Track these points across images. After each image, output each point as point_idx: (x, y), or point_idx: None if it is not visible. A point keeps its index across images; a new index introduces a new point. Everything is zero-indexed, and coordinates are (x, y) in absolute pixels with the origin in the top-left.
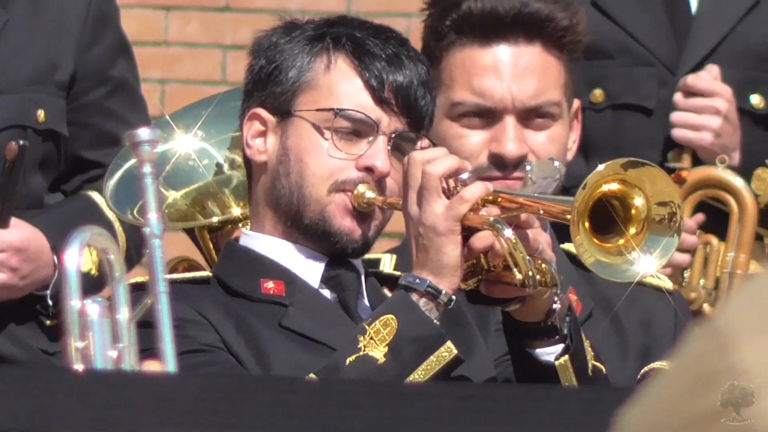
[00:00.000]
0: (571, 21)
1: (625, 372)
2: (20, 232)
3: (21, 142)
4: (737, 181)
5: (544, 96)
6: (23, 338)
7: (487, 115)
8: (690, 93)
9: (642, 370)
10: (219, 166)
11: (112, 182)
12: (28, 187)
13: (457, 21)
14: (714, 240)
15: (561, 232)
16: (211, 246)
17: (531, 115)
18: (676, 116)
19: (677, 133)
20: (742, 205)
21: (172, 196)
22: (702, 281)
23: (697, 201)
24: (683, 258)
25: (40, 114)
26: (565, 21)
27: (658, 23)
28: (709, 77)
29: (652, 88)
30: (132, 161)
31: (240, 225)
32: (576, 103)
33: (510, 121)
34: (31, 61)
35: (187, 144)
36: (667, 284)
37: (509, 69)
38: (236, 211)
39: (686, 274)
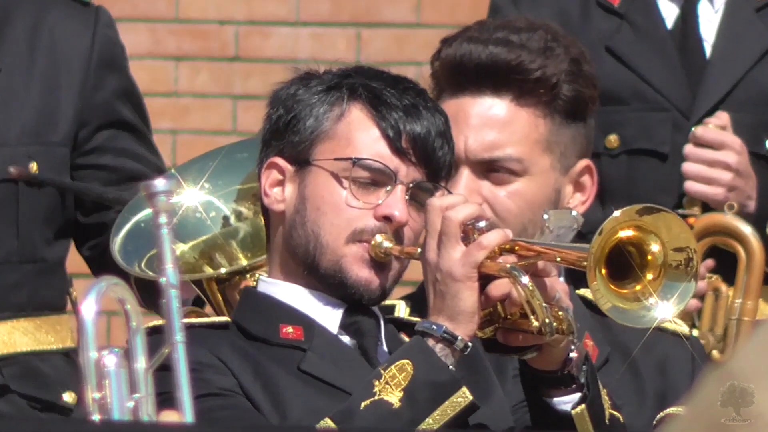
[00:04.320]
0: (544, 74)
1: (642, 417)
2: None
3: None
4: (745, 228)
5: (501, 150)
6: None
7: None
8: (700, 143)
9: (658, 416)
10: (226, 218)
11: (120, 235)
12: (21, 240)
13: (437, 70)
14: (723, 286)
15: (576, 278)
16: (220, 298)
17: (485, 168)
18: (688, 167)
19: (691, 187)
20: (750, 252)
21: (180, 248)
22: (712, 328)
23: (706, 248)
24: (693, 303)
25: (33, 166)
26: (537, 73)
27: (672, 68)
28: (717, 130)
29: (667, 133)
30: (140, 214)
31: (248, 276)
32: (582, 162)
33: (464, 172)
34: (24, 115)
35: (193, 197)
36: (685, 329)
37: (468, 120)
38: (244, 262)
39: (695, 320)
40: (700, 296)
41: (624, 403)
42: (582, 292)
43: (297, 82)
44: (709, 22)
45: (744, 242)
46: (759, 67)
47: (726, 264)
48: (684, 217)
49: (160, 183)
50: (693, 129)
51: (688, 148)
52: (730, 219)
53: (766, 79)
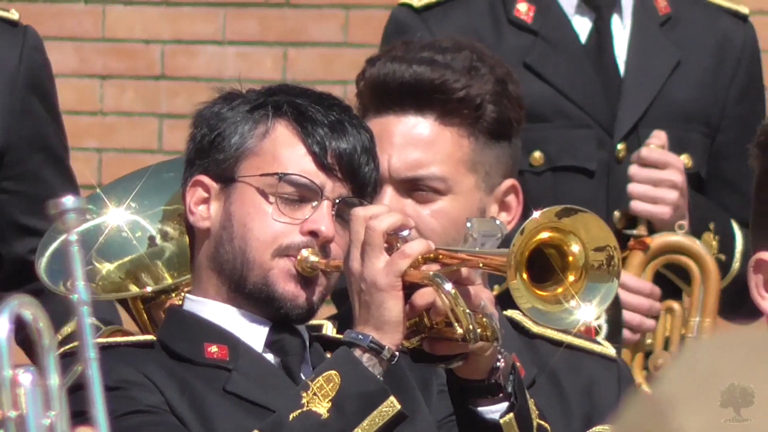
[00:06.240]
0: (468, 93)
1: None
2: None
3: None
4: (699, 247)
5: (425, 169)
6: None
7: None
8: (645, 164)
9: None
10: (151, 238)
11: (46, 255)
12: None
13: (362, 90)
14: (676, 305)
15: (505, 301)
16: (146, 317)
17: (408, 187)
18: (634, 188)
19: (637, 206)
20: (705, 270)
21: (106, 268)
22: (666, 347)
23: (659, 266)
24: (649, 323)
25: None
26: (461, 93)
27: (591, 84)
28: (660, 150)
29: (592, 149)
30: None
31: (173, 294)
32: (507, 182)
33: (388, 191)
34: None
35: (119, 217)
36: (612, 352)
37: (391, 139)
38: (169, 281)
39: (649, 340)
40: (654, 316)
41: (550, 425)
42: (510, 313)
43: (220, 102)
44: (621, 38)
45: (699, 260)
46: (670, 83)
47: (665, 284)
48: (635, 237)
49: (68, 201)
50: (637, 151)
51: (634, 169)
52: (683, 238)
53: (677, 95)
